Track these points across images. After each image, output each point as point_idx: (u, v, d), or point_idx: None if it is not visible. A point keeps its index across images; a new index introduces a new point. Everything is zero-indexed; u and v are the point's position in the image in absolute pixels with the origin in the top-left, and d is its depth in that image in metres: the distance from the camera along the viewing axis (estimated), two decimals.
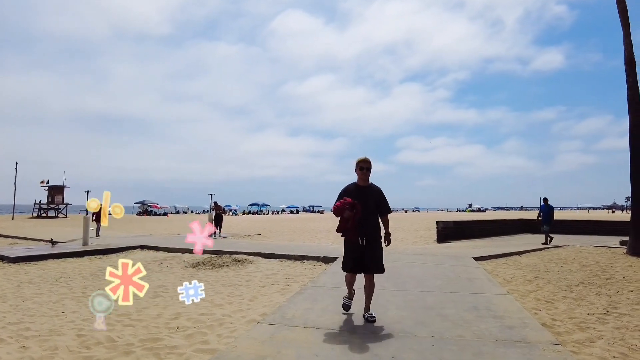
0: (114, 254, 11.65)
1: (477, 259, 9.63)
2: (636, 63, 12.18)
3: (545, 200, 15.17)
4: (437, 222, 17.86)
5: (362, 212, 4.40)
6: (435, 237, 17.55)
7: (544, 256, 10.91)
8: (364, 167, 4.62)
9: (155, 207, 62.47)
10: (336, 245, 13.84)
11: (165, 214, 60.58)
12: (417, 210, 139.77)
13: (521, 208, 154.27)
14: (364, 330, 4.17)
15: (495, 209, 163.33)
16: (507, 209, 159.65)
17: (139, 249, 12.49)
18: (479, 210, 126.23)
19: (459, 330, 4.15)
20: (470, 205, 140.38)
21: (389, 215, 4.87)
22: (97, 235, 16.01)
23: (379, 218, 4.69)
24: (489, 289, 6.31)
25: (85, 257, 11.02)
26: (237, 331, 4.51)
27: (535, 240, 15.26)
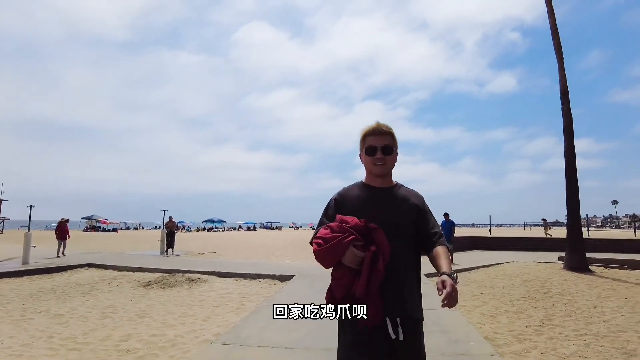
0: (58, 273, 11.02)
1: (428, 275, 9.99)
2: (570, 93, 13.34)
3: (446, 215, 14.16)
4: None
5: (390, 251, 1.82)
6: None
7: (490, 272, 11.49)
8: (377, 145, 2.00)
9: (104, 222, 59.46)
10: (293, 262, 13.86)
11: (114, 230, 57.81)
12: None
13: (472, 225, 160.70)
14: (318, 347, 4.25)
15: None
16: (460, 226, 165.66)
17: (86, 267, 11.89)
18: None
19: None
20: None
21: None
22: (61, 255, 14.67)
23: (418, 259, 2.03)
24: (437, 305, 6.59)
25: (25, 277, 10.36)
26: (190, 352, 4.46)
27: (483, 256, 16.02)
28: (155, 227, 64.30)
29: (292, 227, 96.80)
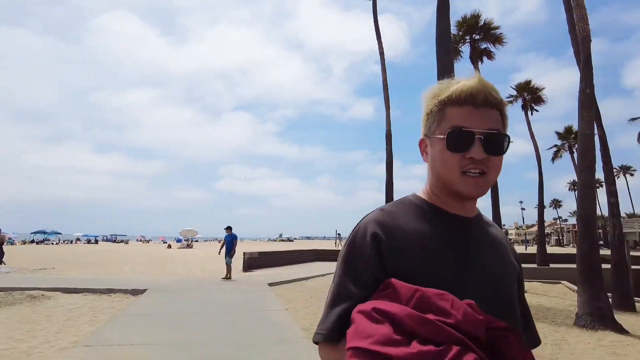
0: None
1: (271, 284, 11.62)
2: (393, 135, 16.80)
3: (228, 229, 14.04)
4: (244, 253, 19.65)
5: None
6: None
7: (324, 280, 13.72)
8: (477, 130, 0.82)
9: None
10: (145, 277, 14.03)
11: None
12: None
13: (324, 237, 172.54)
14: (173, 343, 5.31)
15: (302, 238, 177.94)
16: (313, 239, 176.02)
17: None
18: (288, 239, 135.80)
19: (248, 337, 5.74)
20: (281, 235, 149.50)
21: None
22: None
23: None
24: (272, 306, 8.19)
25: None
26: (50, 358, 4.99)
27: (321, 267, 18.49)
28: None
29: (141, 240, 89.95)
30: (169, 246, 48.86)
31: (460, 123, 0.82)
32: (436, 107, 0.87)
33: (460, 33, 17.24)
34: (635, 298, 10.11)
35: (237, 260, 24.04)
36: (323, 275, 15.14)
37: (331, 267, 16.16)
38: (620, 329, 7.30)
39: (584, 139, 7.85)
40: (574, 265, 8.81)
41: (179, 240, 61.15)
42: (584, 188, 7.92)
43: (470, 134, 0.81)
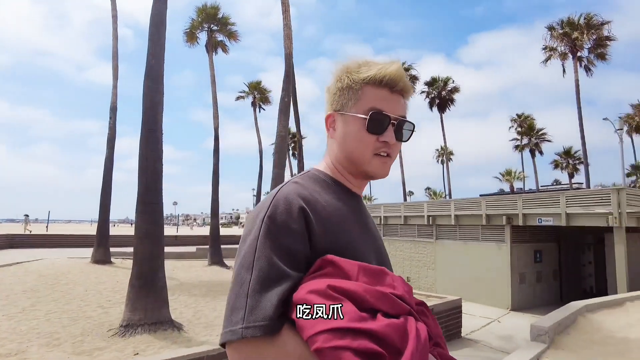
0: None
1: None
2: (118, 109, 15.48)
3: None
4: None
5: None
6: None
7: (15, 270, 11.43)
8: (392, 115, 0.85)
9: None
10: None
11: None
12: None
13: (36, 220, 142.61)
14: None
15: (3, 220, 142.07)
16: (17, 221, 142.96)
17: None
18: None
19: None
20: None
21: None
22: None
23: None
24: None
25: None
26: None
27: (15, 255, 15.39)
28: None
29: None
30: None
31: (379, 106, 0.83)
32: (356, 84, 0.84)
33: (199, 19, 17.42)
34: None
35: None
36: (11, 264, 12.58)
37: (28, 254, 13.59)
38: None
39: (279, 139, 9.41)
40: None
41: None
42: (276, 182, 9.48)
43: (387, 118, 0.83)
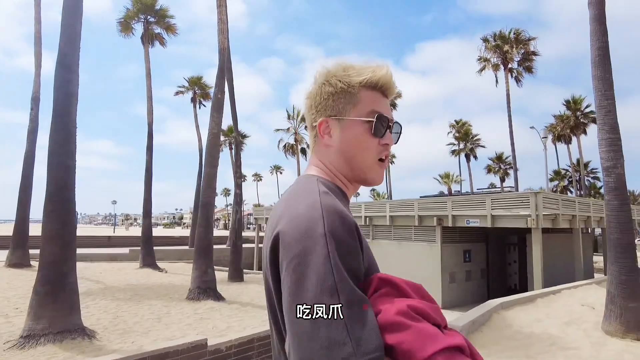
0: None
1: None
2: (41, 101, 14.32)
3: None
4: None
5: None
6: None
7: None
8: (393, 119, 0.87)
9: None
10: None
11: None
12: None
13: None
14: None
15: None
16: None
17: None
18: None
19: None
20: None
21: None
22: None
23: None
24: None
25: None
26: None
27: None
28: None
29: None
30: None
31: (379, 109, 0.81)
32: (353, 88, 0.81)
33: (134, 10, 16.49)
34: (245, 270, 12.61)
35: None
36: None
37: None
38: (219, 297, 8.87)
39: (211, 137, 9.11)
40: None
41: None
42: (206, 178, 9.17)
43: (388, 120, 0.82)
